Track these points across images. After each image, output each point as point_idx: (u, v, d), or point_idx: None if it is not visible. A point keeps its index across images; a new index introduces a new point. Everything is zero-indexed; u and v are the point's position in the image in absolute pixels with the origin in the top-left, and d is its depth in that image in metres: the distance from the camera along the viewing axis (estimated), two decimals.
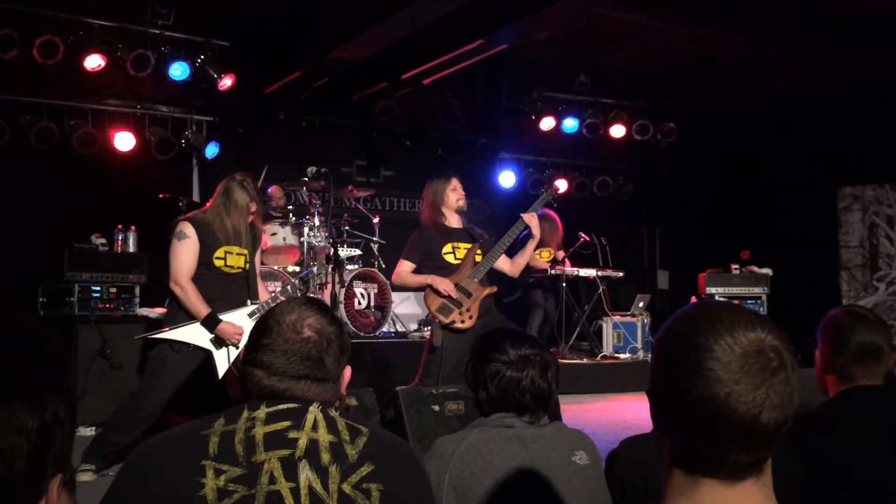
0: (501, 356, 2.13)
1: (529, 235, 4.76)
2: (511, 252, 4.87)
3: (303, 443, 1.43)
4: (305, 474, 1.39)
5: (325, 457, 1.43)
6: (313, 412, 1.48)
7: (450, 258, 4.71)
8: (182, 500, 1.33)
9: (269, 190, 6.79)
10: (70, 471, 0.83)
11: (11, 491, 0.74)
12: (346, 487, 1.41)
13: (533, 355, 2.12)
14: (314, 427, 1.46)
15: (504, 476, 1.97)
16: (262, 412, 1.45)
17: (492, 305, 4.79)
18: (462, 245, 4.76)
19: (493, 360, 2.14)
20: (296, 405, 1.48)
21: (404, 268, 4.74)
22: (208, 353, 4.21)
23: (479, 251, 4.75)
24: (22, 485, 0.75)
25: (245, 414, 1.45)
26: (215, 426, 1.43)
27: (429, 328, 4.92)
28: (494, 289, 4.77)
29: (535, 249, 4.95)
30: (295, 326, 1.54)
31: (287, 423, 1.44)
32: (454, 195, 4.78)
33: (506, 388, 2.10)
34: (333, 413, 1.51)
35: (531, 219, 4.70)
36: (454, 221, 4.80)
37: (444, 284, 4.58)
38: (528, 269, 7.29)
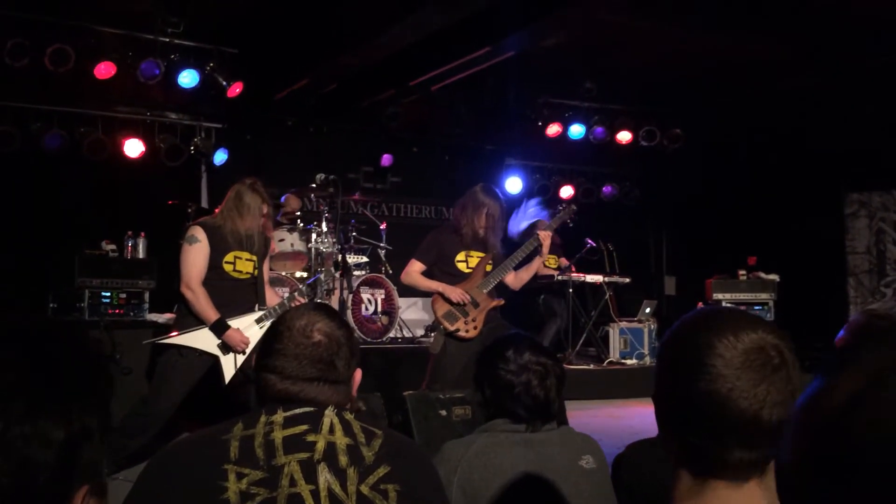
0: (500, 361, 2.13)
1: (538, 252, 4.71)
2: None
3: (321, 446, 1.46)
4: (325, 476, 1.43)
5: (343, 459, 1.46)
6: (329, 416, 1.52)
7: (462, 266, 4.71)
8: (205, 503, 1.37)
9: (283, 198, 6.83)
10: (100, 478, 0.83)
11: (33, 502, 0.74)
12: (364, 489, 1.44)
13: (533, 363, 2.10)
14: (331, 430, 1.49)
15: (512, 480, 1.99)
16: (279, 416, 1.49)
17: (497, 316, 4.79)
18: (475, 254, 4.74)
19: (493, 363, 2.15)
20: (312, 409, 1.52)
21: (415, 268, 4.73)
22: (216, 358, 4.24)
23: (490, 262, 4.75)
24: (45, 497, 0.75)
25: (263, 419, 1.49)
26: (235, 431, 1.47)
27: (435, 334, 4.93)
28: (502, 301, 4.76)
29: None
30: (305, 331, 1.58)
31: (304, 427, 1.48)
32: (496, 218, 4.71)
33: (500, 393, 2.11)
34: (349, 416, 1.54)
35: (546, 237, 4.66)
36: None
37: (457, 293, 4.58)
38: (536, 275, 7.27)
